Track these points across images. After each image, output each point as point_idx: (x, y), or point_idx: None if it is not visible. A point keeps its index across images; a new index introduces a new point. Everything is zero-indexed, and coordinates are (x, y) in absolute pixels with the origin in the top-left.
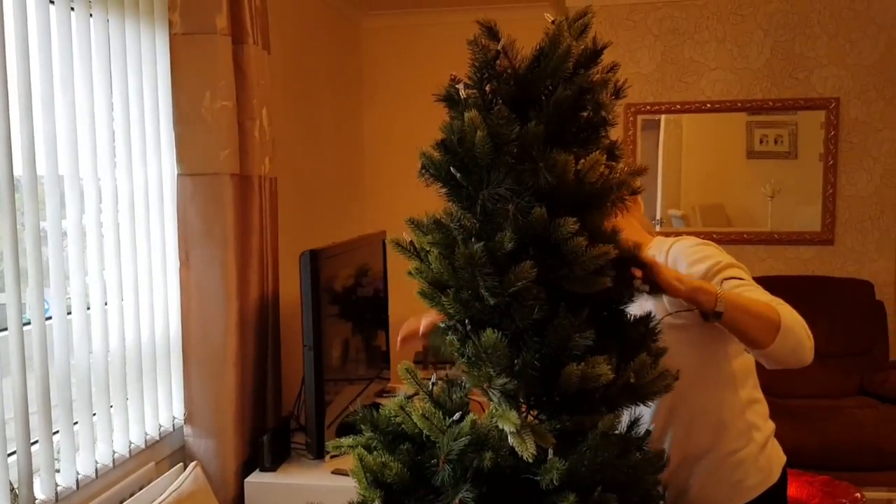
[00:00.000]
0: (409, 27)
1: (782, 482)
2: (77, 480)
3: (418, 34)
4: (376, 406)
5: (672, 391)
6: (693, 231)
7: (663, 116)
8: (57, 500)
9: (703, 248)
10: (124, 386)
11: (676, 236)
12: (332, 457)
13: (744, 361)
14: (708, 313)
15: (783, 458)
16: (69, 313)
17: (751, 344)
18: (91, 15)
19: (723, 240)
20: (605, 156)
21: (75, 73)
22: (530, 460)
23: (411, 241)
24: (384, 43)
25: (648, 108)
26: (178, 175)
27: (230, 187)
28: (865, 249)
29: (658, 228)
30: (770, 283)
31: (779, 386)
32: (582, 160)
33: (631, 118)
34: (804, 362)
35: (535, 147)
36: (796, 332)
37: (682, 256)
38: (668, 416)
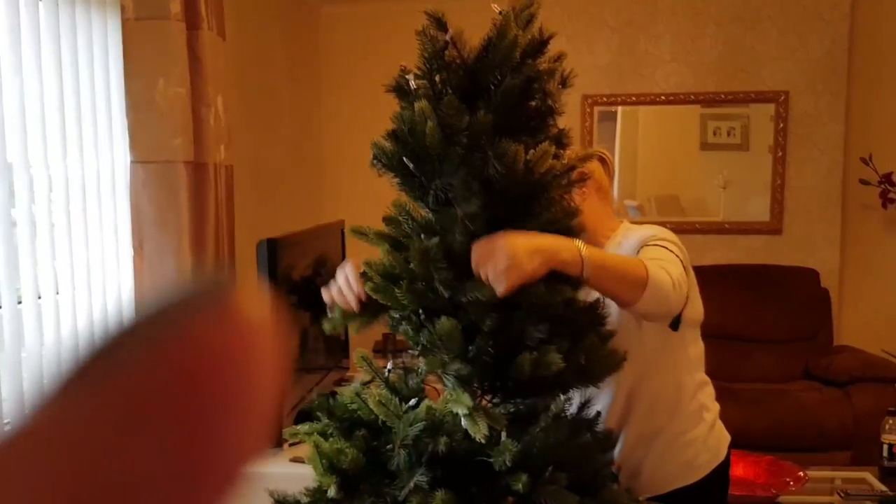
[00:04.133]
0: (368, 14)
1: (727, 460)
2: None
3: (378, 22)
4: (334, 395)
5: (634, 374)
6: (648, 221)
7: (620, 108)
8: None
9: (658, 230)
10: None
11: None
12: (290, 445)
13: (698, 347)
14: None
15: (728, 438)
16: (20, 303)
17: (616, 301)
18: None
19: (676, 230)
20: (553, 146)
21: (24, 59)
22: (483, 441)
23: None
24: (343, 30)
25: (605, 99)
26: (131, 162)
27: (184, 175)
28: (812, 239)
29: None
30: (721, 272)
31: (727, 370)
32: (531, 150)
33: (588, 109)
34: (672, 313)
35: (484, 137)
36: (664, 289)
37: (640, 235)
38: (629, 398)
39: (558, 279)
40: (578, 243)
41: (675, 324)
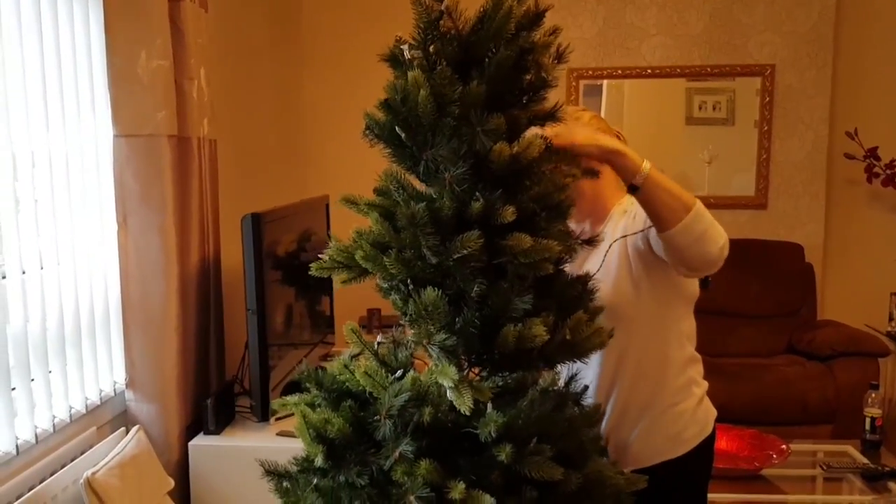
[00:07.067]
0: None
1: (713, 434)
2: (17, 446)
3: None
4: (321, 368)
5: (625, 342)
6: None
7: (605, 82)
8: None
9: None
10: (63, 351)
11: None
12: (277, 419)
13: (690, 323)
14: (627, 180)
15: (714, 412)
16: (4, 278)
17: (658, 220)
18: None
19: None
20: (540, 137)
21: (3, 33)
22: (467, 413)
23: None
24: (327, 3)
25: (591, 72)
26: (114, 136)
27: (168, 149)
28: (797, 214)
29: None
30: None
31: (711, 345)
32: (516, 142)
33: (573, 83)
34: (708, 257)
35: (474, 111)
36: (707, 221)
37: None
38: (617, 367)
39: (547, 233)
40: (643, 160)
41: (705, 281)
